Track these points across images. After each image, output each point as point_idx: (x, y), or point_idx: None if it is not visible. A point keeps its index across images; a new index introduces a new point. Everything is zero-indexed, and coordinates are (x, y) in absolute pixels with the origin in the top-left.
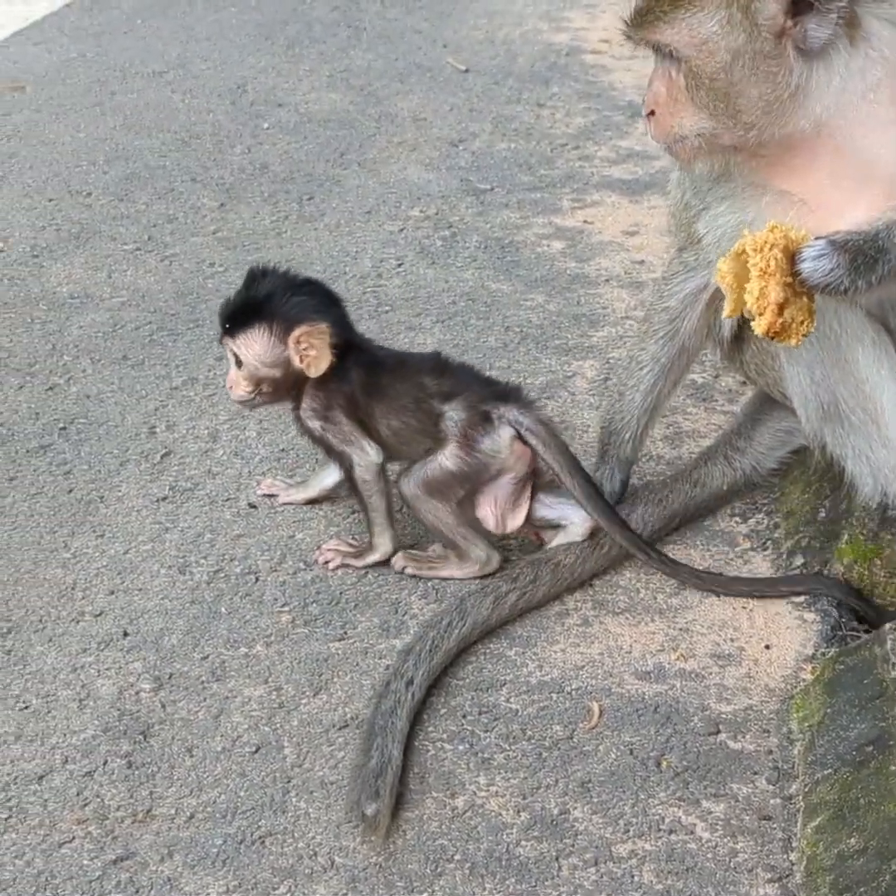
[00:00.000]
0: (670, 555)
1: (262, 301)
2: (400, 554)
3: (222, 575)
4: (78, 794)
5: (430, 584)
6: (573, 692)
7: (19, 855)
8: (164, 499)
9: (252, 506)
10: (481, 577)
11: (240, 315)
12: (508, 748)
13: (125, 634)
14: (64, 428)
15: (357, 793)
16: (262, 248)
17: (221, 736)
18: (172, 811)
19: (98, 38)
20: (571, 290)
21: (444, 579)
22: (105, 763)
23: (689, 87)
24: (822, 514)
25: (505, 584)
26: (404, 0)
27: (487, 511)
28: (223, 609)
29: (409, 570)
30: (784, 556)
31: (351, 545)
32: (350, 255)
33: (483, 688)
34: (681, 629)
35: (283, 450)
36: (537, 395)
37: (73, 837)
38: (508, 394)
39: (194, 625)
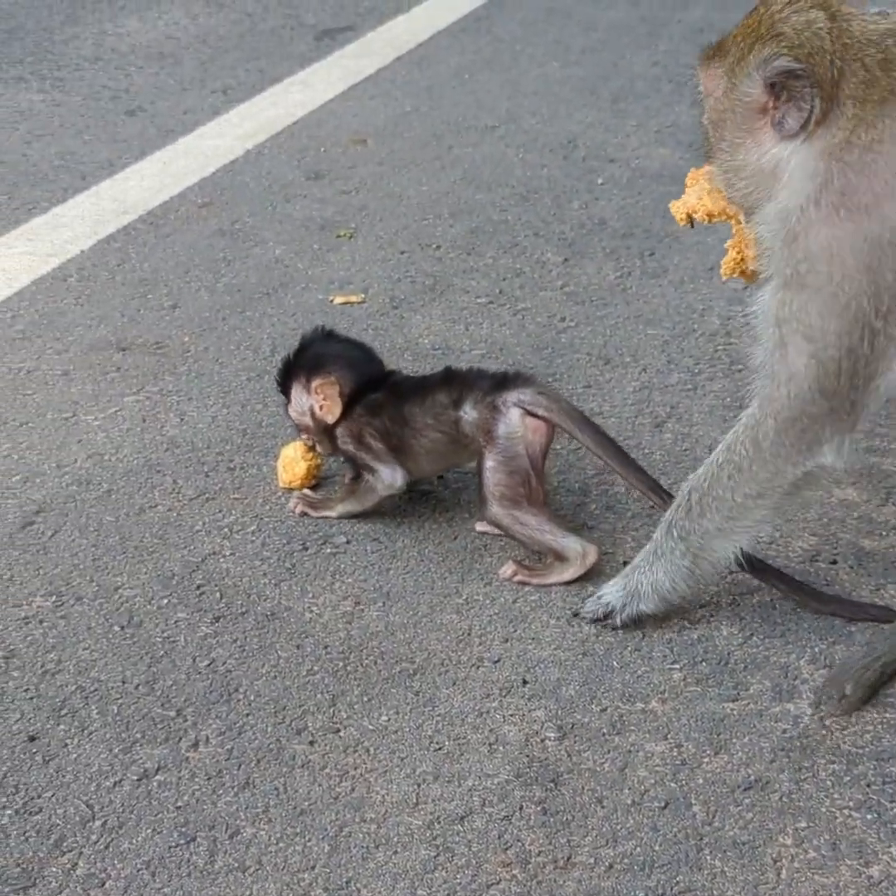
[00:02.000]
0: None
1: (294, 362)
2: (510, 562)
3: (609, 628)
4: (499, 837)
5: (817, 648)
6: None
7: (451, 893)
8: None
9: (626, 563)
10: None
11: (281, 377)
12: None
13: (524, 682)
14: (441, 476)
15: None
16: (609, 304)
17: (629, 789)
18: (591, 860)
19: (429, 92)
20: None
21: (551, 585)
22: (521, 808)
23: (706, 128)
24: None
25: None
26: None
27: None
28: (615, 663)
29: (517, 579)
30: None
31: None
32: (697, 312)
33: (884, 757)
34: None
35: (651, 507)
36: None
37: (500, 880)
38: (508, 379)
39: (589, 677)
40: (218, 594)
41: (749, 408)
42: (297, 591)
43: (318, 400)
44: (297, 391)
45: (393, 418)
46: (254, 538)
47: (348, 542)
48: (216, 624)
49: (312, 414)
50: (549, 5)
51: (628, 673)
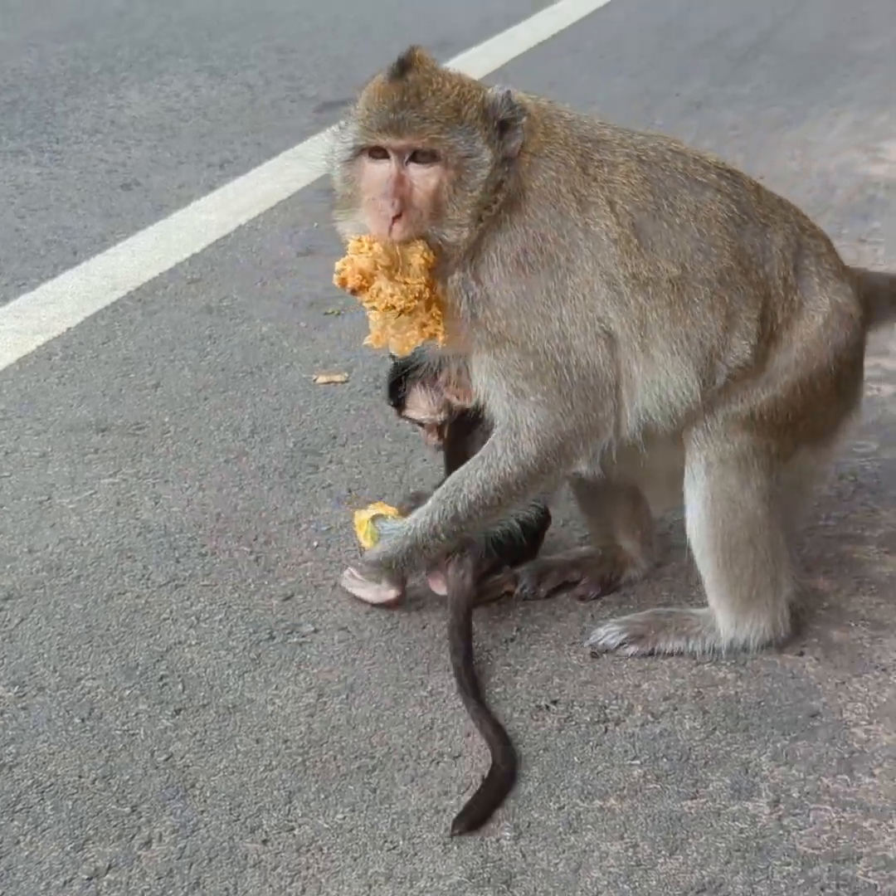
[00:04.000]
0: None
1: (407, 368)
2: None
3: (572, 722)
4: None
5: (780, 744)
6: None
7: None
8: (511, 640)
9: (595, 654)
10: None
11: (395, 389)
12: None
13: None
14: None
15: None
16: None
17: (582, 891)
18: None
19: None
20: None
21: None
22: None
23: (443, 192)
24: None
25: None
26: (718, 130)
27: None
28: (575, 758)
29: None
30: None
31: None
32: None
33: (839, 859)
34: None
35: (624, 595)
36: (876, 549)
37: None
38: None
39: (548, 773)
40: (180, 685)
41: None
42: (260, 682)
43: (453, 391)
44: (423, 396)
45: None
46: (221, 627)
47: (316, 631)
48: (177, 717)
49: (450, 407)
50: (550, 78)
51: (588, 769)
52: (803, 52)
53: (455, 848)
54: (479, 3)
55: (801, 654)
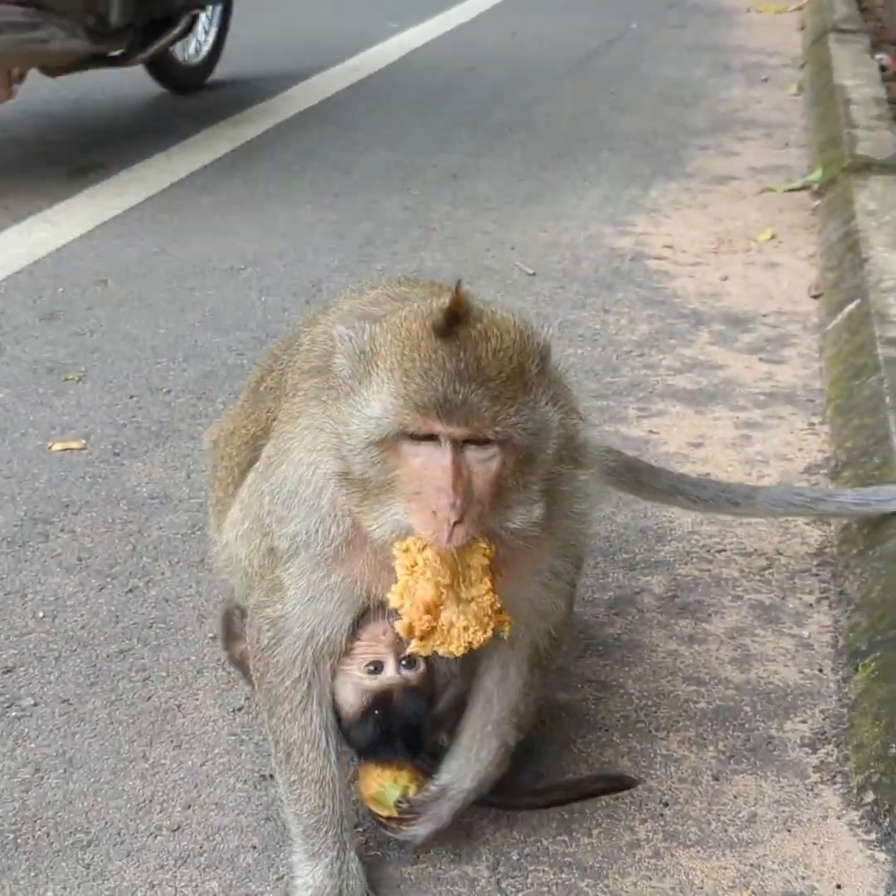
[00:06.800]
0: (743, 785)
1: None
2: None
3: None
4: None
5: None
6: None
7: None
8: (239, 709)
9: None
10: None
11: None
12: None
13: (202, 851)
14: (143, 632)
15: None
16: None
17: None
18: None
19: (178, 233)
20: (637, 502)
21: None
22: None
23: (507, 477)
24: (893, 750)
25: None
26: (473, 201)
27: None
28: None
29: None
30: (855, 792)
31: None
32: None
33: None
34: (752, 865)
35: None
36: (605, 611)
37: None
38: None
39: (268, 843)
40: None
41: None
42: None
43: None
44: None
45: None
46: None
47: (36, 705)
48: None
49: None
50: (306, 148)
51: None
52: (560, 128)
53: None
54: (237, 75)
55: None
